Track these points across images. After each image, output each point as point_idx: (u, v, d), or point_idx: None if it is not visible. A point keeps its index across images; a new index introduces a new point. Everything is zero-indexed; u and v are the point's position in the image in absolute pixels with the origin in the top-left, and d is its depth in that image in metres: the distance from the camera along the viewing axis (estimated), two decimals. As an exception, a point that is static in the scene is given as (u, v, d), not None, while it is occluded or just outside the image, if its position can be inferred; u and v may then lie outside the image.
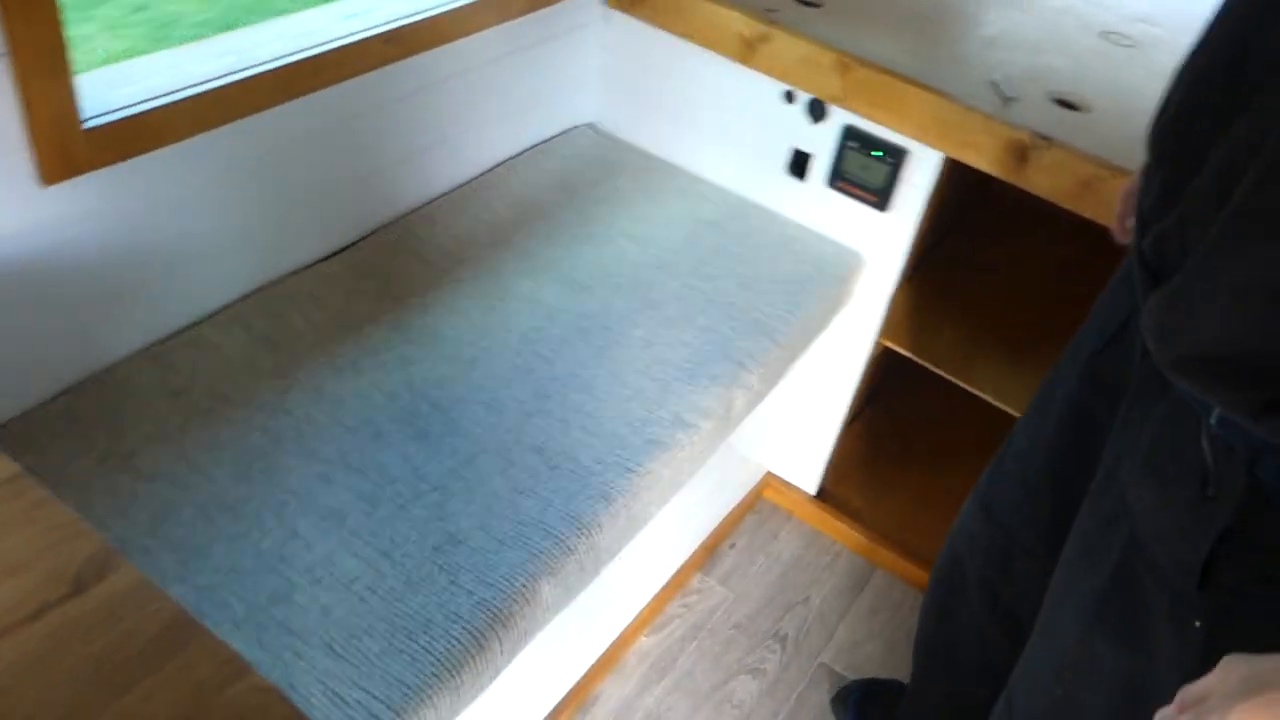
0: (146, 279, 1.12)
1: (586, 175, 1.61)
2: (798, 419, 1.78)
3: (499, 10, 1.39)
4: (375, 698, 0.88)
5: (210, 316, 1.21)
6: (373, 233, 1.40)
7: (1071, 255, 1.92)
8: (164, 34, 4.20)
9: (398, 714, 0.88)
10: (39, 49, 0.89)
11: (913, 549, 1.80)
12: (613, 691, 1.56)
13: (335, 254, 1.35)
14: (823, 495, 1.87)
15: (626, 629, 1.57)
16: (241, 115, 1.11)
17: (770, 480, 1.90)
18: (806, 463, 1.83)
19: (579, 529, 1.07)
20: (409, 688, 0.90)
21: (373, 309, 1.28)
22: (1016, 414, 1.40)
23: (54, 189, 0.95)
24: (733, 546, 1.83)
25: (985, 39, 1.57)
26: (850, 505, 1.86)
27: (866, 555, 1.84)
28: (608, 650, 1.53)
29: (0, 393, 1.04)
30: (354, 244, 1.38)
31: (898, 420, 2.04)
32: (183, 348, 1.17)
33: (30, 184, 0.93)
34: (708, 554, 1.79)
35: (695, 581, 1.75)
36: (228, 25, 4.18)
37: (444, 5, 1.31)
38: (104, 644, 0.59)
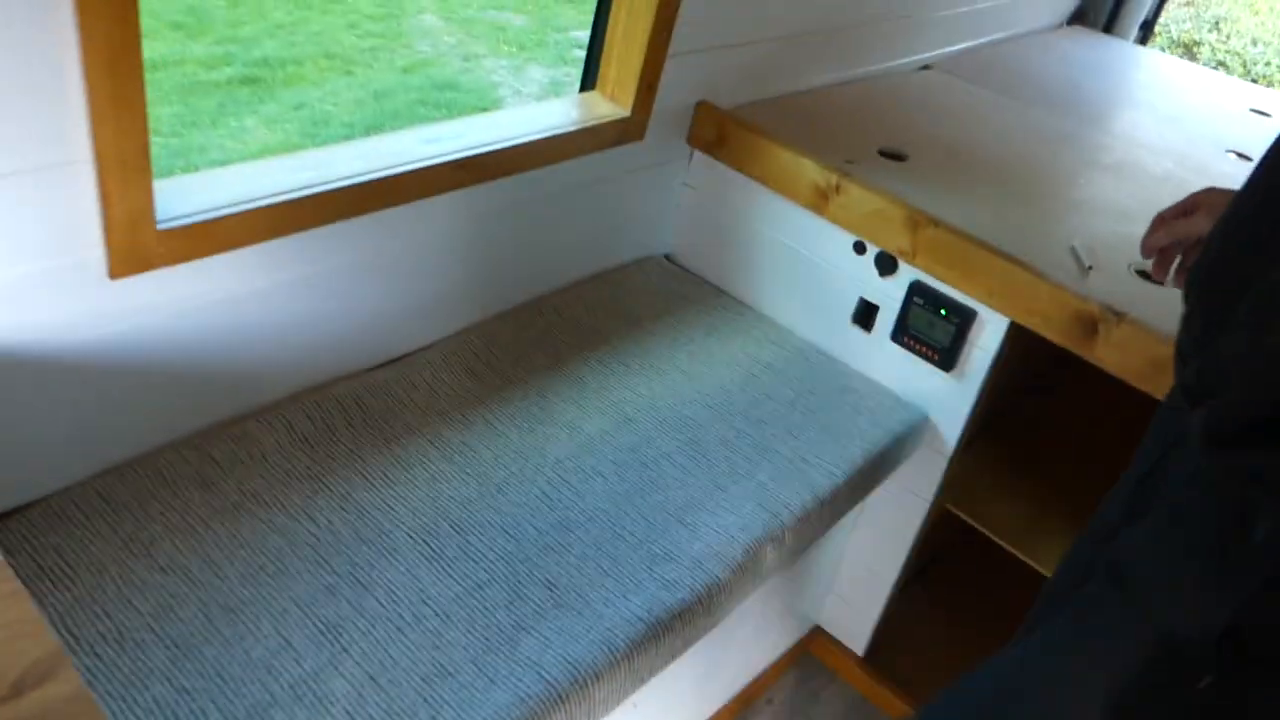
0: (200, 372, 1.17)
1: (653, 305, 1.62)
2: (852, 575, 1.70)
3: (587, 142, 1.44)
4: (329, 833, 0.85)
5: (256, 413, 1.25)
6: (428, 346, 1.43)
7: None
8: (316, 130, 4.52)
9: None
10: (124, 154, 0.95)
11: (964, 731, 1.67)
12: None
13: (384, 365, 1.38)
14: (872, 658, 1.76)
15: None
16: (308, 227, 1.16)
17: (818, 636, 1.81)
18: (857, 622, 1.74)
19: (575, 677, 1.02)
20: (364, 827, 0.86)
21: (412, 421, 1.30)
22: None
23: (121, 282, 1.01)
24: (769, 702, 1.74)
25: (1074, 202, 1.53)
26: (901, 673, 1.75)
27: (913, 731, 1.72)
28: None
29: (48, 468, 1.09)
30: (405, 356, 1.41)
31: (961, 586, 1.92)
32: (225, 440, 1.20)
33: (100, 277, 0.99)
34: (742, 706, 1.70)
35: (725, 735, 1.66)
36: (371, 128, 4.46)
37: (533, 134, 1.36)
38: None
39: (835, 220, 1.47)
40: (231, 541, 1.09)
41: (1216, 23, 5.93)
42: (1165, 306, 1.25)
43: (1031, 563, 1.48)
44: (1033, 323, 1.30)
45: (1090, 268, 1.34)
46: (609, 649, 1.06)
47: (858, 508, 1.52)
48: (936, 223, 1.36)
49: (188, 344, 1.14)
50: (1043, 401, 1.89)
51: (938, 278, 1.39)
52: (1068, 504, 1.61)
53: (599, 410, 1.38)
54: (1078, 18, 2.65)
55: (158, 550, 1.06)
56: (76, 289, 0.99)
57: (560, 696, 1.01)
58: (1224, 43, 5.86)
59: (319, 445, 1.23)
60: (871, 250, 1.47)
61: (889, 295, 1.48)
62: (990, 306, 1.35)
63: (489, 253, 1.45)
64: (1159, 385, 1.20)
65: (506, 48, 5.21)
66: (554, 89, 4.94)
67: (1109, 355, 1.22)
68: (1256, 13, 6.02)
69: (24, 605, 0.67)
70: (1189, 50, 5.73)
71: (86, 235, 0.97)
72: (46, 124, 0.89)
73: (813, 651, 1.83)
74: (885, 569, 1.64)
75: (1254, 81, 5.62)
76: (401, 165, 1.23)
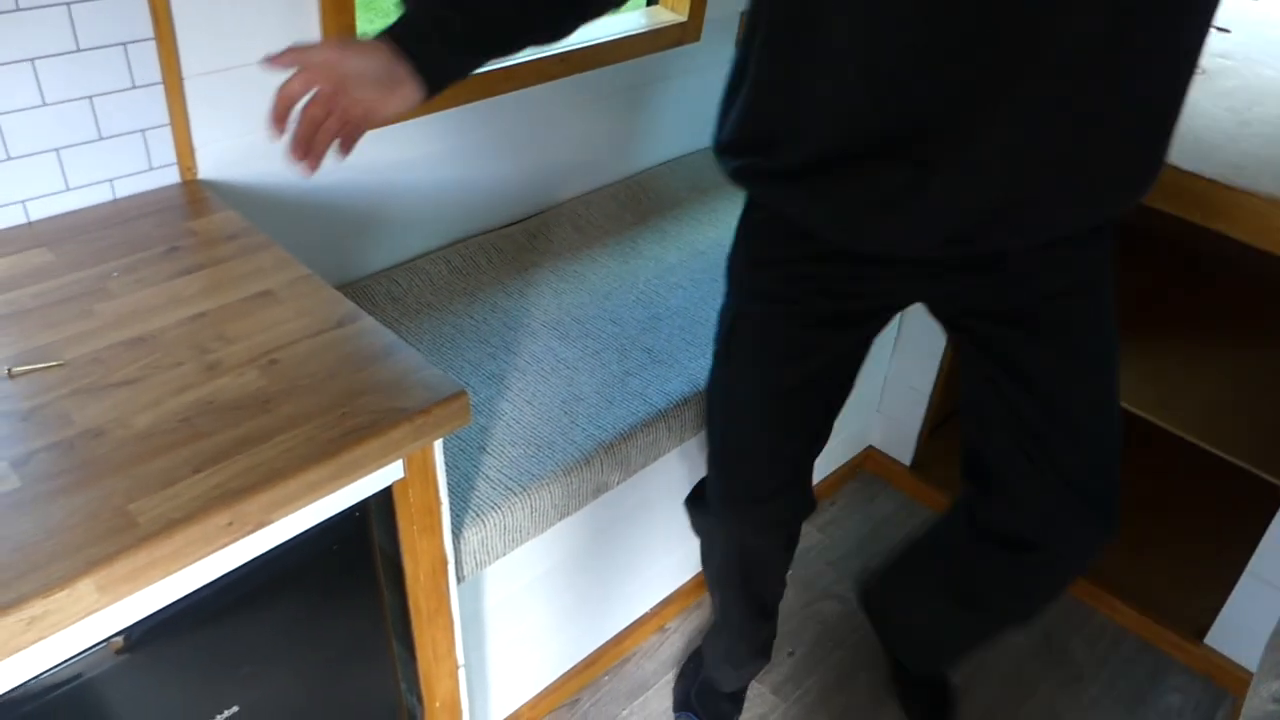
0: (384, 219, 1.60)
1: (716, 179, 2.01)
2: (895, 395, 2.06)
3: (653, 42, 1.83)
4: (506, 475, 1.27)
5: (425, 254, 1.68)
6: (543, 211, 1.85)
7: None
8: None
9: (517, 490, 1.26)
10: (345, 33, 1.38)
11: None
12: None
13: (515, 223, 1.80)
14: (917, 467, 2.12)
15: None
16: (449, 107, 1.58)
17: (871, 453, 2.17)
18: (903, 436, 2.09)
19: (669, 402, 1.43)
20: (531, 475, 1.28)
21: (537, 259, 1.71)
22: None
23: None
24: (833, 503, 2.11)
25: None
26: (941, 475, 2.10)
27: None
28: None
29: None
30: (529, 217, 1.82)
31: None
32: (404, 273, 1.63)
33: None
34: (809, 507, 2.08)
35: (795, 525, 2.04)
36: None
37: (611, 36, 1.76)
38: (349, 350, 1.01)
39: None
40: (416, 332, 1.52)
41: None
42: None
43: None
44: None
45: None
46: (693, 385, 1.46)
47: (895, 323, 1.88)
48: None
49: (382, 197, 1.57)
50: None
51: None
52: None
53: (677, 247, 1.78)
54: None
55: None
56: (310, 144, 1.42)
57: (661, 413, 1.41)
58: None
59: (471, 274, 1.66)
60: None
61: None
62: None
63: (585, 137, 1.85)
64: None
65: None
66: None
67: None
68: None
69: (330, 289, 1.10)
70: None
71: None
72: (298, 13, 1.32)
73: (867, 467, 2.19)
74: (922, 383, 2.00)
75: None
76: (518, 58, 1.64)
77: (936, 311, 1.24)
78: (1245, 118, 1.71)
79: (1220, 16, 2.26)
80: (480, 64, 1.04)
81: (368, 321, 1.06)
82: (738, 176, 1.14)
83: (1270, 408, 1.83)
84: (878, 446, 2.16)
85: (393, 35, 0.94)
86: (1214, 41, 2.10)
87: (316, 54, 0.91)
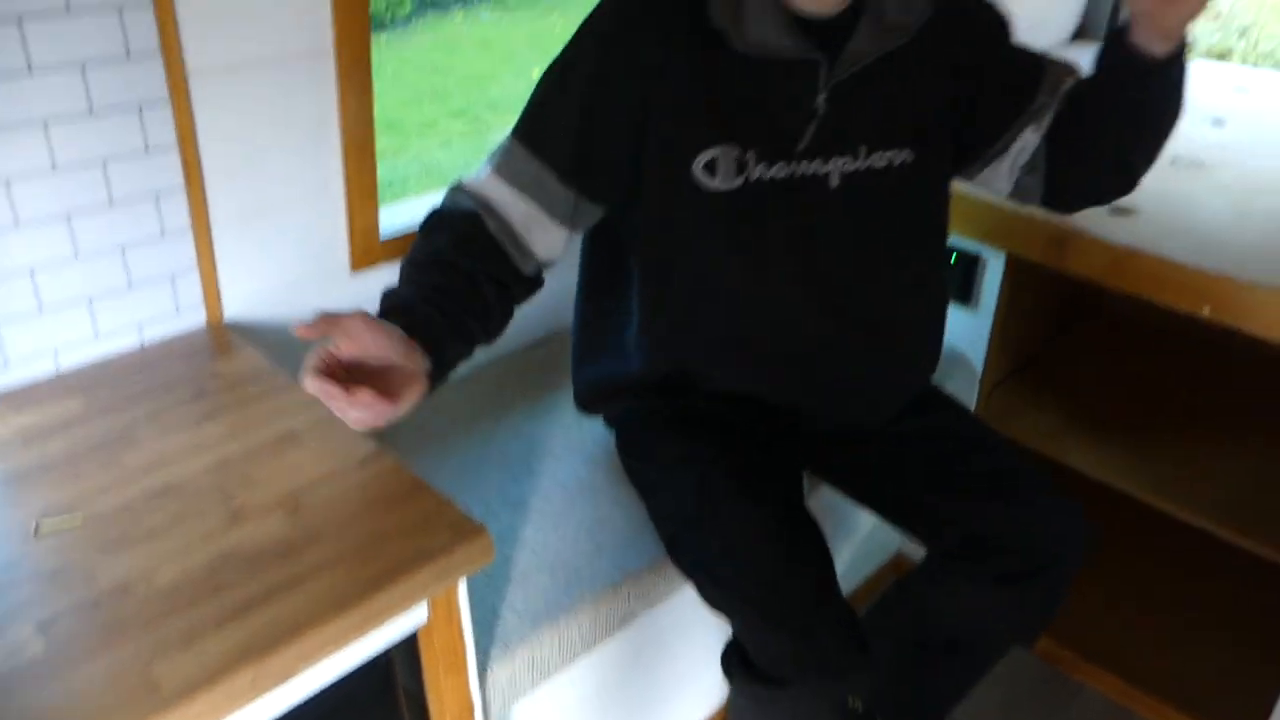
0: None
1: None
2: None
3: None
4: (534, 607, 1.25)
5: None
6: (564, 331, 1.87)
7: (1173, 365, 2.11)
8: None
9: (545, 622, 1.24)
10: (363, 188, 1.42)
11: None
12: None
13: (536, 344, 1.82)
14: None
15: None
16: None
17: (902, 560, 2.13)
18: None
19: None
20: (560, 605, 1.26)
21: (559, 380, 1.72)
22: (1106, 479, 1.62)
23: (357, 274, 1.47)
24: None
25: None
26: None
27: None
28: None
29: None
30: (550, 336, 1.84)
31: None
32: (426, 401, 1.63)
33: (344, 271, 1.46)
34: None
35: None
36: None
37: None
38: (372, 491, 1.02)
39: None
40: (438, 459, 1.52)
41: (1244, 30, 6.18)
42: (1127, 229, 1.60)
43: (1059, 459, 1.80)
44: (1020, 249, 1.67)
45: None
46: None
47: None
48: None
49: (396, 327, 1.59)
50: (1069, 345, 2.22)
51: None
52: (1095, 416, 1.93)
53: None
54: (1080, 34, 3.03)
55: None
56: (332, 279, 1.46)
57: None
58: (1254, 48, 6.09)
59: (492, 400, 1.67)
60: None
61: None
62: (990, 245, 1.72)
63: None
64: (1123, 279, 1.54)
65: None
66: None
67: (1078, 262, 1.58)
68: (1283, 15, 6.26)
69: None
70: (1222, 58, 5.98)
71: (339, 242, 1.44)
72: (320, 167, 1.37)
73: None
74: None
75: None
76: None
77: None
78: (1246, 210, 1.72)
79: (1214, 109, 2.31)
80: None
81: (389, 460, 1.07)
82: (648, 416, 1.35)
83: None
84: (906, 554, 2.12)
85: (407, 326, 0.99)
86: (1209, 134, 2.13)
87: (347, 322, 0.93)
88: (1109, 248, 1.54)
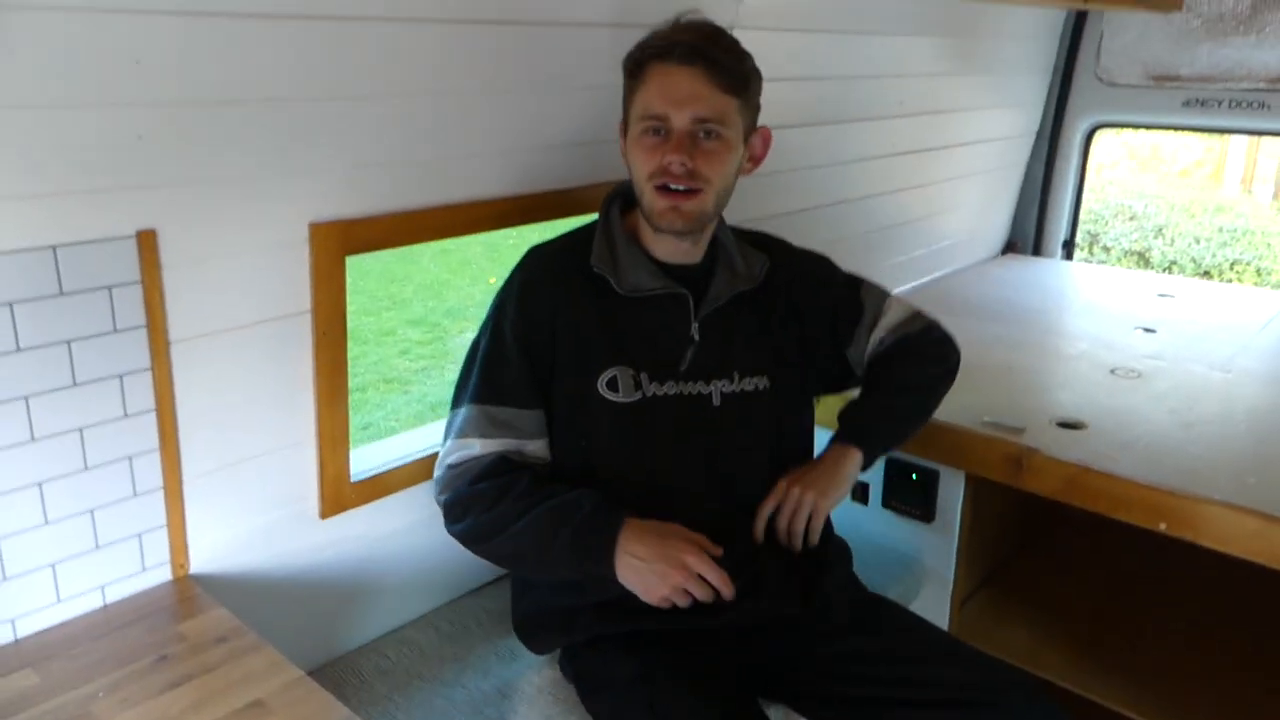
0: (372, 590, 1.59)
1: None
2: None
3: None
4: None
5: (414, 620, 1.66)
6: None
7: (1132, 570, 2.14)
8: (383, 440, 5.11)
9: None
10: (334, 436, 1.44)
11: None
12: None
13: (504, 575, 1.80)
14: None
15: None
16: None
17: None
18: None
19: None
20: None
21: (527, 613, 1.70)
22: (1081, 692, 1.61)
23: (327, 521, 1.47)
24: None
25: (999, 382, 1.98)
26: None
27: None
28: None
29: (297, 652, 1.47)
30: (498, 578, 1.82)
31: None
32: (393, 644, 1.60)
33: (314, 518, 1.45)
34: None
35: None
36: (433, 430, 5.03)
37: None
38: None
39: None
40: (405, 707, 1.47)
41: (1159, 230, 6.65)
42: (1078, 444, 1.67)
43: (1039, 673, 1.79)
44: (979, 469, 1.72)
45: (1019, 428, 1.77)
46: None
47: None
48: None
49: (364, 567, 1.58)
50: (1035, 555, 2.24)
51: (905, 452, 1.83)
52: (1069, 631, 1.93)
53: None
54: (1009, 248, 3.24)
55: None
56: (301, 527, 1.45)
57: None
58: (1170, 245, 6.54)
59: (459, 639, 1.63)
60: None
61: (871, 473, 1.90)
62: (949, 465, 1.77)
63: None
64: (1073, 496, 1.59)
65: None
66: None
67: (1033, 481, 1.63)
68: (1193, 216, 6.76)
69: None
70: (1142, 257, 6.40)
71: (308, 489, 1.45)
72: (294, 417, 1.39)
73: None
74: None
75: (1206, 274, 6.23)
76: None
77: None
78: (1187, 419, 1.80)
79: (1143, 318, 2.46)
80: None
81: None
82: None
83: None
84: None
85: None
86: (1141, 343, 2.26)
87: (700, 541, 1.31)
88: (1063, 465, 1.60)
